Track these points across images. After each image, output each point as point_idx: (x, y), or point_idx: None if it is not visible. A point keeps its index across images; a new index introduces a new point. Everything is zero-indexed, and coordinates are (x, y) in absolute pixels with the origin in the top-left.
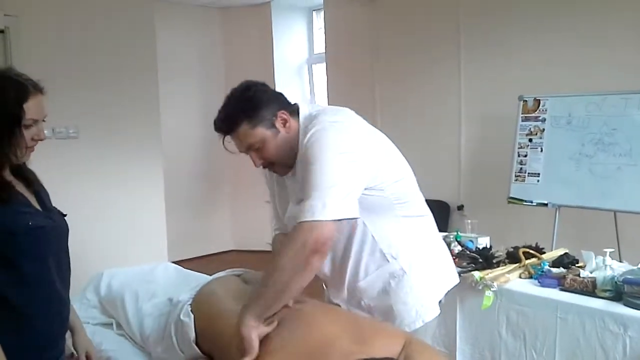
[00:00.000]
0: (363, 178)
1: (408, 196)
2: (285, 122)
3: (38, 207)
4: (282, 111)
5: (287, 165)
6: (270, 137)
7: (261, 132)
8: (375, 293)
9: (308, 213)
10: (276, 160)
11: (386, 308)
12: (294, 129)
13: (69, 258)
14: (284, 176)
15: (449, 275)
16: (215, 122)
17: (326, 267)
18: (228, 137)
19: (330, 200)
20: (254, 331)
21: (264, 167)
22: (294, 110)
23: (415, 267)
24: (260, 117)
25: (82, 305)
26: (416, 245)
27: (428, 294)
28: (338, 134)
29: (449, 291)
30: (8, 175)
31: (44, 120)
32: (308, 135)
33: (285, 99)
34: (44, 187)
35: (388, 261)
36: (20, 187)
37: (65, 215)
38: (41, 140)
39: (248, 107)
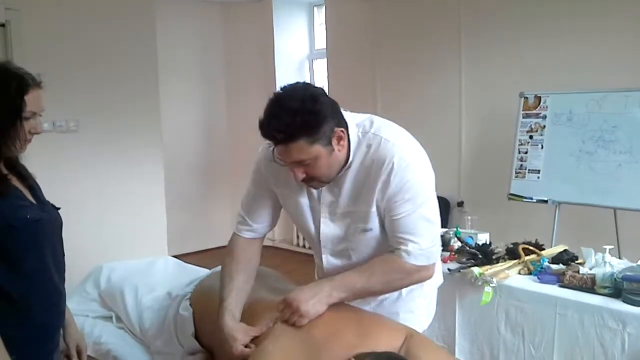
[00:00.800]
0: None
1: None
2: (340, 139)
3: (33, 200)
4: (341, 128)
5: (328, 181)
6: (325, 154)
7: (317, 149)
8: (385, 300)
9: (424, 259)
10: (322, 177)
11: (391, 315)
12: (345, 146)
13: (64, 251)
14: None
15: (440, 277)
16: (265, 127)
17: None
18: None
19: (435, 244)
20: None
21: (304, 182)
22: (346, 125)
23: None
24: (321, 134)
25: (81, 299)
26: None
27: (432, 301)
28: (427, 175)
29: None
30: (3, 169)
31: (41, 115)
32: (398, 175)
33: (339, 109)
34: (36, 181)
35: None
36: (14, 181)
37: (59, 208)
38: (38, 133)
39: (312, 122)
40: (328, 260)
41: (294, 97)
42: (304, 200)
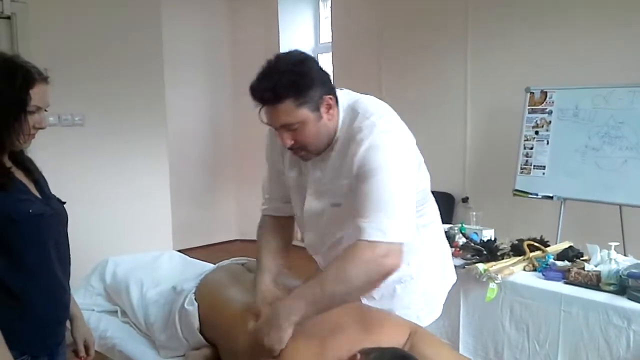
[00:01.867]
0: (414, 194)
1: (425, 204)
2: (329, 108)
3: (37, 194)
4: (330, 96)
5: (317, 152)
6: (312, 120)
7: (304, 113)
8: (378, 296)
9: (380, 233)
10: (309, 145)
11: (387, 311)
12: (335, 117)
13: (68, 245)
14: (306, 162)
15: (450, 276)
16: (254, 88)
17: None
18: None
19: (401, 221)
20: (290, 330)
21: (292, 150)
22: (336, 96)
23: (423, 272)
24: (308, 98)
25: (87, 293)
26: (426, 252)
27: (431, 298)
28: (396, 150)
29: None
30: (7, 162)
31: (46, 110)
32: (365, 143)
33: (331, 81)
34: (42, 175)
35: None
36: (19, 175)
37: (64, 202)
38: (42, 128)
39: (299, 83)
40: (308, 238)
41: (285, 60)
42: (294, 176)
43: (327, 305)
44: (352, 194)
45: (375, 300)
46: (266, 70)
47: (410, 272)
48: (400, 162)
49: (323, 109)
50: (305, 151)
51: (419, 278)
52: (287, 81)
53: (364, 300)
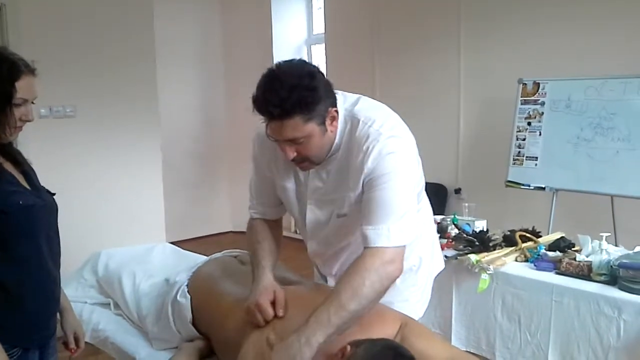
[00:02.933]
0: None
1: (420, 201)
2: (333, 120)
3: (27, 186)
4: (335, 108)
5: (318, 162)
6: (318, 134)
7: (311, 127)
8: None
9: (385, 239)
10: (312, 157)
11: (386, 304)
12: (337, 127)
13: (59, 237)
14: (303, 171)
15: (438, 263)
16: (260, 101)
17: (334, 269)
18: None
19: (405, 225)
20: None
21: (294, 161)
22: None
23: (422, 265)
24: (316, 112)
25: (79, 285)
26: (422, 243)
27: (426, 289)
28: (404, 154)
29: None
30: None
31: (33, 102)
32: (374, 152)
33: (333, 90)
34: (31, 167)
35: None
36: (8, 167)
37: (54, 194)
38: (29, 121)
39: (309, 99)
40: (312, 247)
41: (291, 73)
42: (291, 186)
43: (347, 323)
44: (358, 202)
45: None
46: (273, 83)
47: (411, 266)
48: (407, 168)
49: (328, 122)
50: (307, 162)
51: (418, 271)
52: (297, 97)
53: None
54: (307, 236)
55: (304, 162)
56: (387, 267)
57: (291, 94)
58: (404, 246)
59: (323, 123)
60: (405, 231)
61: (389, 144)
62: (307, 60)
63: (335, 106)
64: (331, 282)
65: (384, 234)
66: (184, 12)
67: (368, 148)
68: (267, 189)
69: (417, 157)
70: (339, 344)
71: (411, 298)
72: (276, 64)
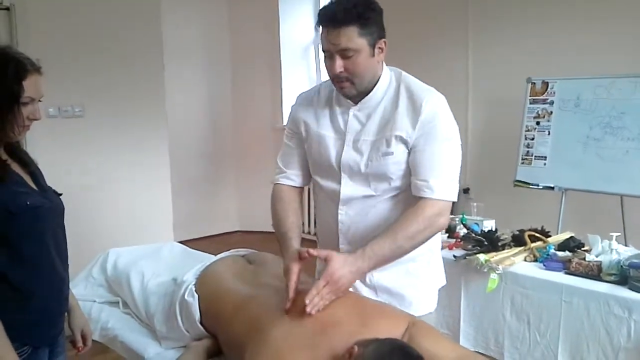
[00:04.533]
0: None
1: None
2: (381, 51)
3: (34, 186)
4: (384, 40)
5: (359, 87)
6: (367, 53)
7: (363, 43)
8: (390, 274)
9: (445, 192)
10: (356, 77)
11: (395, 290)
12: (380, 64)
13: (66, 237)
14: (341, 118)
15: (441, 275)
16: (325, 9)
17: (345, 240)
18: None
19: (455, 184)
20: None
21: (338, 79)
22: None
23: (434, 254)
24: (370, 31)
25: (88, 284)
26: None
27: (437, 282)
28: (452, 115)
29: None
30: (3, 155)
31: (40, 100)
32: (429, 102)
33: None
34: (38, 167)
35: None
36: (15, 167)
37: (60, 194)
38: (37, 119)
39: (367, 15)
40: (344, 191)
41: None
42: (330, 134)
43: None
44: (406, 143)
45: (387, 277)
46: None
47: (424, 251)
48: (456, 128)
49: (377, 50)
50: (349, 82)
51: (431, 259)
52: (359, 10)
53: (373, 278)
54: (340, 176)
55: (346, 81)
56: (439, 218)
57: (354, 5)
58: (452, 202)
59: (373, 46)
60: (455, 189)
61: (441, 104)
62: None
63: (385, 38)
64: (343, 248)
65: (441, 187)
66: (191, 13)
67: (423, 100)
68: (297, 154)
69: None
70: (345, 345)
71: (422, 288)
72: None
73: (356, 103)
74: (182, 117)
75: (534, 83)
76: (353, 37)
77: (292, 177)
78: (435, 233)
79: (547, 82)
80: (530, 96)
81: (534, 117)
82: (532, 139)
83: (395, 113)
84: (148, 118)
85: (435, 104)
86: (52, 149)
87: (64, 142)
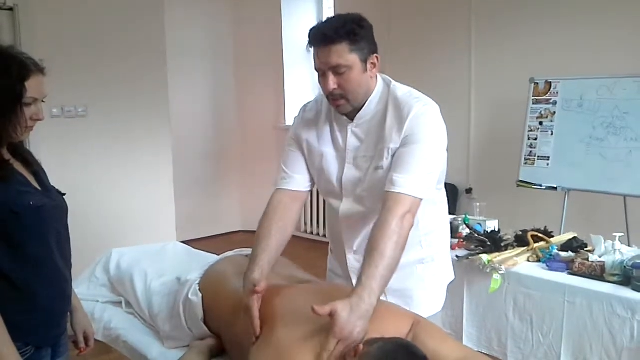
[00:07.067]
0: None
1: (441, 181)
2: (374, 66)
3: (37, 186)
4: (376, 55)
5: (353, 103)
6: (359, 68)
7: (354, 59)
8: (399, 276)
9: (409, 187)
10: (350, 93)
11: (403, 291)
12: (374, 79)
13: (69, 237)
14: (340, 137)
15: (449, 270)
16: (315, 28)
17: (350, 248)
18: None
19: (427, 183)
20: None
21: (333, 96)
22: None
23: (441, 254)
24: (360, 47)
25: (91, 284)
26: (443, 233)
27: (445, 282)
28: (436, 120)
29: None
30: (6, 154)
31: (43, 101)
32: (414, 111)
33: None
34: (42, 167)
35: (422, 247)
36: (18, 167)
37: (64, 194)
38: (40, 120)
39: (356, 32)
40: (345, 206)
41: (345, 15)
42: (331, 152)
43: (390, 276)
44: (392, 156)
45: (396, 278)
46: (329, 18)
47: (432, 254)
48: (438, 132)
49: (369, 65)
50: (344, 100)
51: (438, 260)
52: (348, 28)
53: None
54: (342, 194)
55: (341, 99)
56: (407, 216)
57: (344, 25)
58: (421, 200)
59: (365, 62)
60: (426, 187)
61: (426, 111)
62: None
63: (377, 53)
64: (350, 257)
65: (409, 183)
66: (194, 13)
67: (410, 109)
68: (300, 159)
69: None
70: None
71: (430, 288)
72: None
73: (352, 119)
74: (185, 117)
75: (537, 83)
76: (344, 54)
77: (298, 180)
78: (410, 227)
79: (550, 82)
80: (533, 96)
81: (537, 117)
82: (535, 139)
83: (385, 126)
84: (151, 118)
85: (421, 112)
86: (56, 149)
87: (68, 142)
